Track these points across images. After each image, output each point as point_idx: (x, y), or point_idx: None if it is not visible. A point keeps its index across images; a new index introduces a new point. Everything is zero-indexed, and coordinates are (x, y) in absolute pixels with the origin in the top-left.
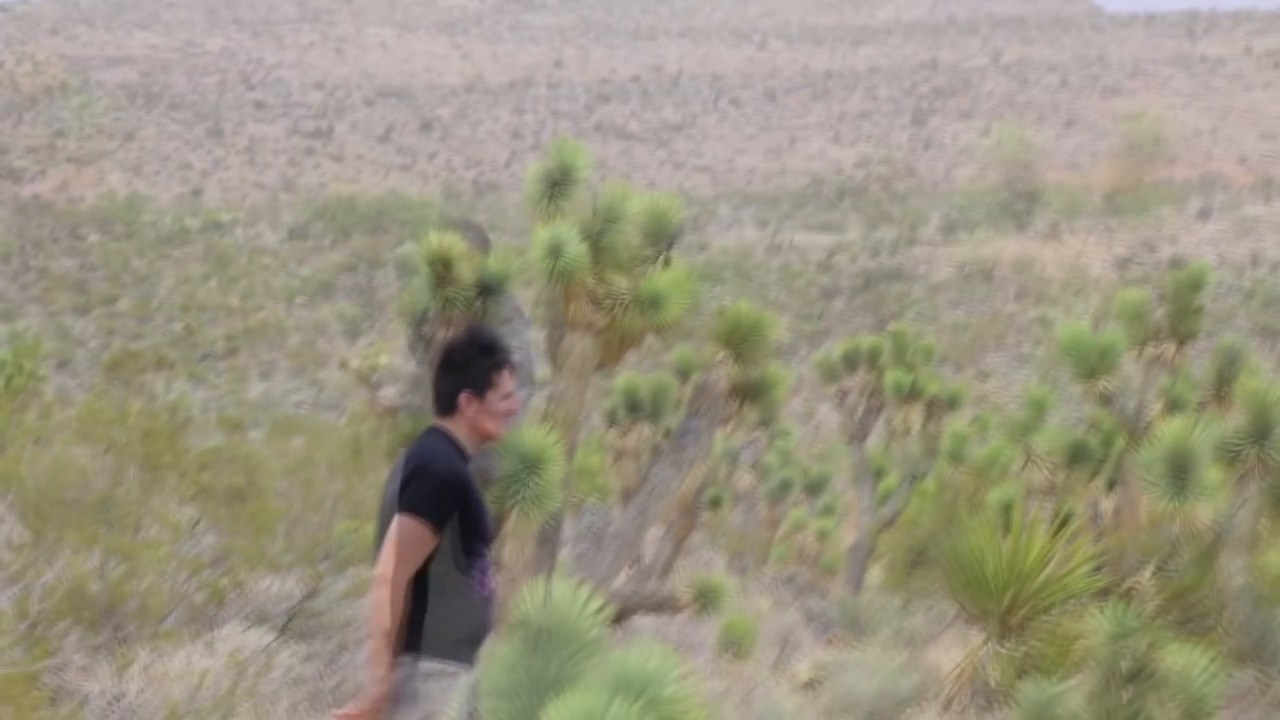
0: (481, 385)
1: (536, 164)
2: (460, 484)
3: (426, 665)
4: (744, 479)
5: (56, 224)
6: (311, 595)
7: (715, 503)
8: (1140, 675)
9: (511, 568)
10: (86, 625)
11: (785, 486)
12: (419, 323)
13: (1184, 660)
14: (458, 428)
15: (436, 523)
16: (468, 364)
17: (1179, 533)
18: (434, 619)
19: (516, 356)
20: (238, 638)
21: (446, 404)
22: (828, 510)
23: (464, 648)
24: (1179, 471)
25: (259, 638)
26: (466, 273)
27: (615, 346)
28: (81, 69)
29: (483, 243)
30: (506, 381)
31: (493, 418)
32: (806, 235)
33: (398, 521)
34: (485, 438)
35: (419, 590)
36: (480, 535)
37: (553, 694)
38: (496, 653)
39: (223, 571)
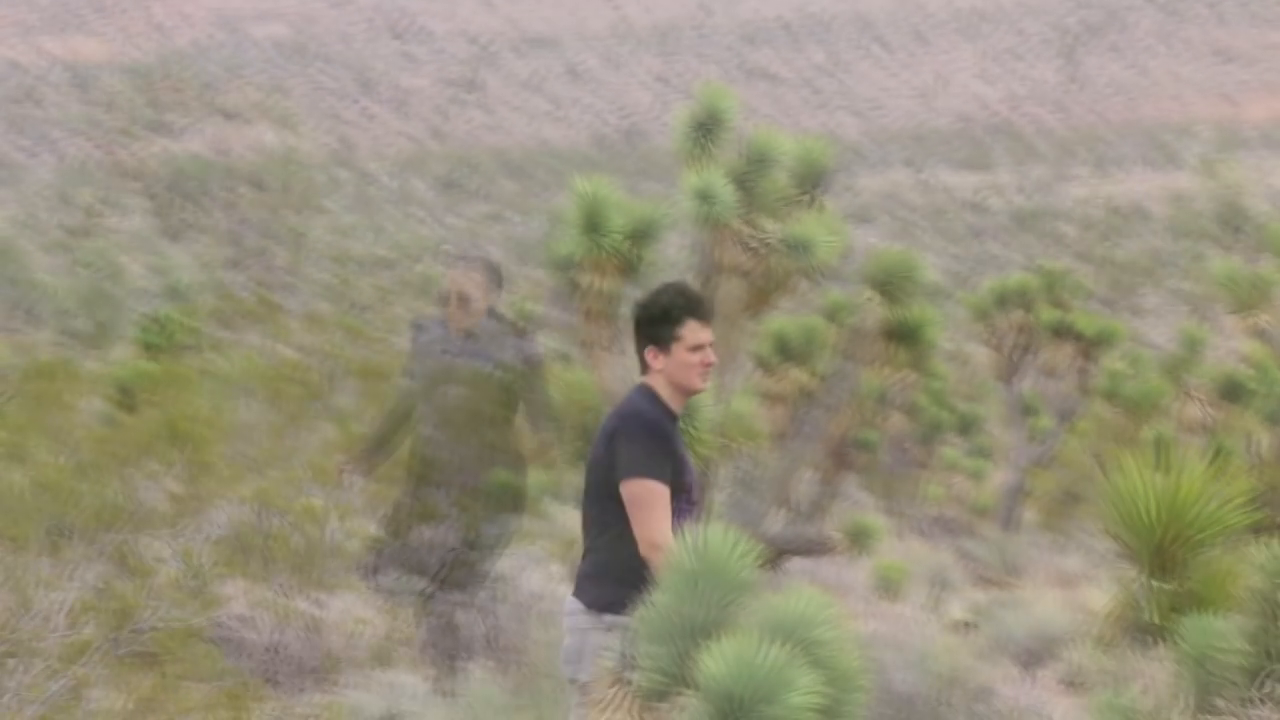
0: (665, 339)
1: (684, 110)
2: (658, 432)
3: (611, 619)
4: (895, 420)
5: (209, 178)
6: (468, 545)
7: (866, 445)
8: None
9: None
10: (248, 577)
11: (936, 427)
12: (568, 270)
13: None
14: (657, 384)
15: (661, 475)
16: (651, 320)
17: None
18: (622, 571)
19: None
20: (394, 587)
21: (641, 362)
22: (980, 451)
23: None
24: None
25: (414, 584)
26: (617, 219)
27: (765, 291)
28: (231, 24)
29: (496, 279)
30: (694, 332)
31: (683, 370)
32: (956, 174)
33: (627, 489)
34: (685, 392)
35: (618, 543)
36: (677, 489)
37: (707, 638)
38: (652, 597)
39: (377, 520)
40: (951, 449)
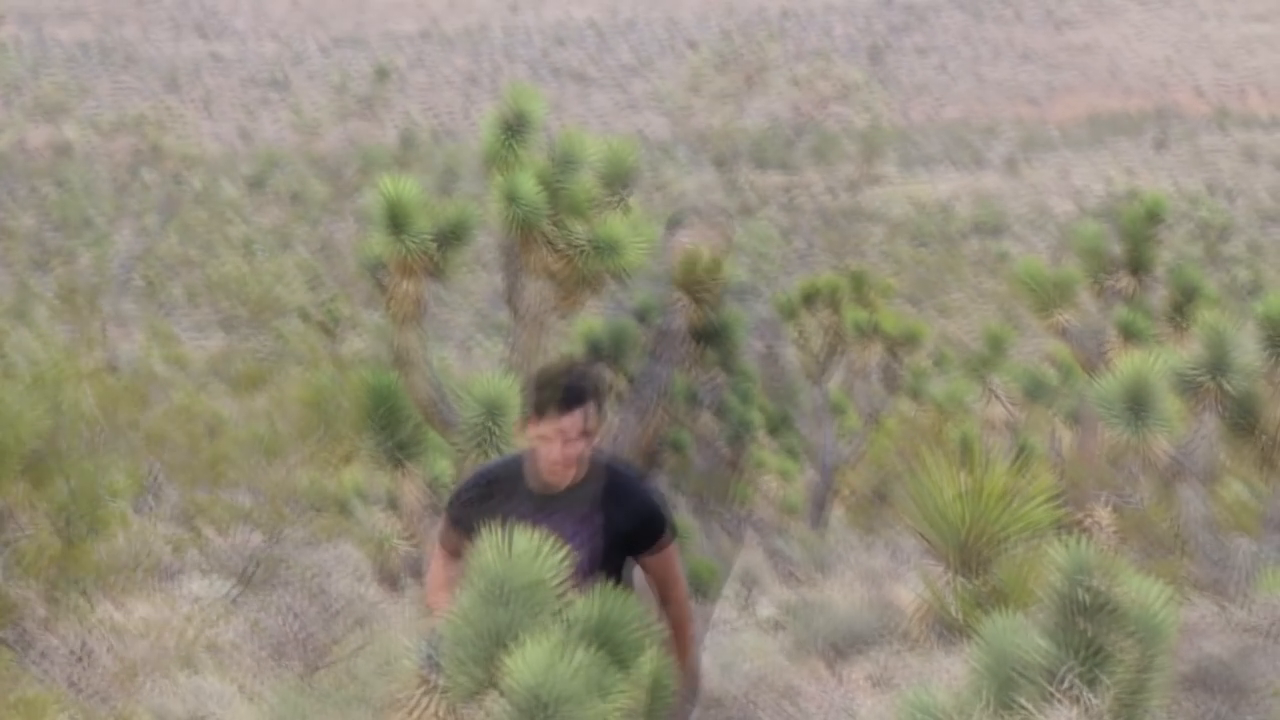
0: (527, 414)
1: (493, 111)
2: (474, 487)
3: None
4: (705, 420)
5: (14, 179)
6: (272, 543)
7: (677, 445)
8: (1098, 607)
9: None
10: (48, 581)
11: (746, 427)
12: (377, 272)
13: (1142, 591)
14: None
15: (448, 522)
16: (529, 390)
17: (1138, 464)
18: None
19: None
20: (200, 588)
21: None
22: (789, 450)
23: None
24: (1137, 403)
25: (221, 588)
26: (423, 221)
27: (574, 292)
28: (35, 24)
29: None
30: (550, 421)
31: (542, 447)
32: (764, 174)
33: None
34: (542, 467)
35: None
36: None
37: (514, 642)
38: (459, 602)
39: (183, 523)
40: (761, 448)
